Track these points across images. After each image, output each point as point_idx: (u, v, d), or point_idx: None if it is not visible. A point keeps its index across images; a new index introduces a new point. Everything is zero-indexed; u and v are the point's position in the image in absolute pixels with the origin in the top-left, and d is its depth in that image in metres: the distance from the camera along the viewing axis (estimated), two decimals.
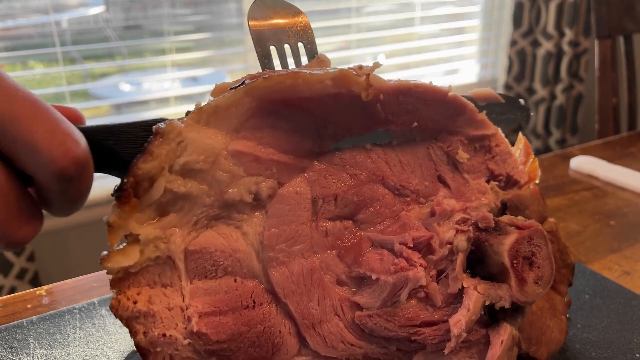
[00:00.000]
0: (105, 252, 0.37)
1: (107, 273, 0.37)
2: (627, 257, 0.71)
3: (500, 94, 0.53)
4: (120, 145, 0.37)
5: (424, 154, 0.48)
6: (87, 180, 0.33)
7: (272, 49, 0.49)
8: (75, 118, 0.38)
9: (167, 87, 1.71)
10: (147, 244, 0.38)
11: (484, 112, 0.49)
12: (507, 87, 2.22)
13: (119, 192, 0.36)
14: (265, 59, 0.48)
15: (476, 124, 0.48)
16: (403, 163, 0.47)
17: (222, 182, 0.40)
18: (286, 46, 0.49)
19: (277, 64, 0.49)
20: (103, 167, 0.37)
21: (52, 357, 0.51)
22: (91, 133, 0.36)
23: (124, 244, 0.38)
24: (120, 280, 0.38)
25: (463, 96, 0.48)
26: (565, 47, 2.12)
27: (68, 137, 0.31)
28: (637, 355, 0.52)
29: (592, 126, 1.90)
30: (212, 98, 0.43)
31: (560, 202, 0.85)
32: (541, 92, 2.20)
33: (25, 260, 1.36)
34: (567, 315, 0.55)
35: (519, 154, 0.52)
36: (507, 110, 0.54)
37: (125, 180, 0.36)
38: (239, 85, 0.39)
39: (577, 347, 0.54)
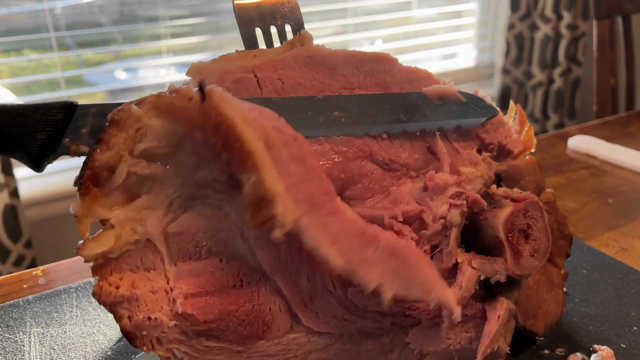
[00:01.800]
0: (80, 241, 0.37)
1: (85, 261, 0.37)
2: (624, 234, 0.71)
3: (462, 92, 0.48)
4: (18, 128, 0.35)
5: None
6: None
7: (258, 31, 0.47)
8: None
9: (162, 73, 1.70)
10: (122, 226, 0.37)
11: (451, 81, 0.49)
12: (505, 71, 2.20)
13: (78, 185, 0.36)
14: (249, 42, 0.47)
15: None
16: (391, 136, 0.46)
17: (189, 164, 0.38)
18: (273, 28, 0.48)
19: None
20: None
21: (49, 335, 0.51)
22: None
23: (100, 231, 0.37)
24: (101, 266, 0.38)
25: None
26: (563, 31, 2.11)
27: None
28: (634, 328, 0.52)
29: (590, 110, 1.89)
30: (188, 77, 0.42)
31: (558, 181, 0.85)
32: (539, 76, 2.19)
33: (23, 247, 1.36)
34: (565, 289, 0.55)
35: (513, 122, 0.51)
36: (471, 110, 0.48)
37: (82, 172, 0.36)
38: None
39: (574, 320, 0.54)
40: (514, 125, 0.52)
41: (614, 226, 0.72)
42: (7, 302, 0.55)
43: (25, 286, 0.59)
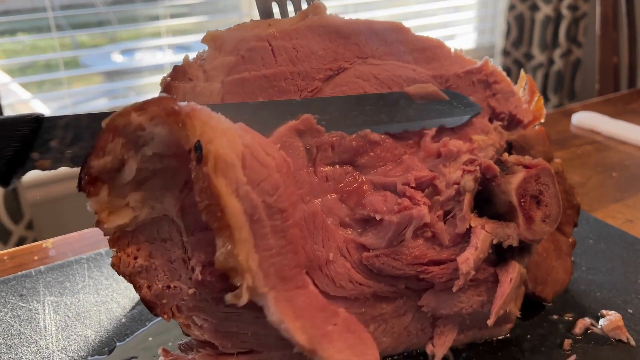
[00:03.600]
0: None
1: (104, 234, 0.37)
2: (629, 206, 0.71)
3: (444, 90, 0.48)
4: None
5: None
6: None
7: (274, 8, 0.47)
8: None
9: (160, 56, 1.69)
10: (141, 205, 0.37)
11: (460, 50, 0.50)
12: (505, 52, 2.20)
13: (80, 190, 0.35)
14: (266, 17, 0.47)
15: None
16: None
17: None
18: (288, 3, 0.48)
19: None
20: None
21: (63, 304, 0.51)
22: None
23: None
24: (119, 238, 0.38)
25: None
26: (564, 11, 2.10)
27: None
28: None
29: (591, 91, 1.89)
30: (205, 46, 0.42)
31: (563, 156, 0.86)
32: (539, 57, 2.18)
33: (24, 228, 1.36)
34: (572, 258, 0.55)
35: (523, 92, 0.51)
36: (454, 108, 0.48)
37: (80, 178, 0.35)
38: None
39: (581, 287, 0.54)
40: (524, 96, 0.52)
41: (619, 199, 0.73)
42: (19, 273, 0.55)
43: (36, 258, 0.60)
